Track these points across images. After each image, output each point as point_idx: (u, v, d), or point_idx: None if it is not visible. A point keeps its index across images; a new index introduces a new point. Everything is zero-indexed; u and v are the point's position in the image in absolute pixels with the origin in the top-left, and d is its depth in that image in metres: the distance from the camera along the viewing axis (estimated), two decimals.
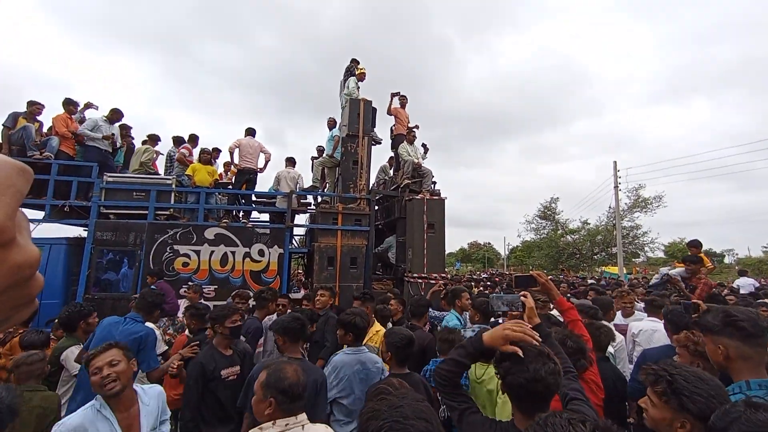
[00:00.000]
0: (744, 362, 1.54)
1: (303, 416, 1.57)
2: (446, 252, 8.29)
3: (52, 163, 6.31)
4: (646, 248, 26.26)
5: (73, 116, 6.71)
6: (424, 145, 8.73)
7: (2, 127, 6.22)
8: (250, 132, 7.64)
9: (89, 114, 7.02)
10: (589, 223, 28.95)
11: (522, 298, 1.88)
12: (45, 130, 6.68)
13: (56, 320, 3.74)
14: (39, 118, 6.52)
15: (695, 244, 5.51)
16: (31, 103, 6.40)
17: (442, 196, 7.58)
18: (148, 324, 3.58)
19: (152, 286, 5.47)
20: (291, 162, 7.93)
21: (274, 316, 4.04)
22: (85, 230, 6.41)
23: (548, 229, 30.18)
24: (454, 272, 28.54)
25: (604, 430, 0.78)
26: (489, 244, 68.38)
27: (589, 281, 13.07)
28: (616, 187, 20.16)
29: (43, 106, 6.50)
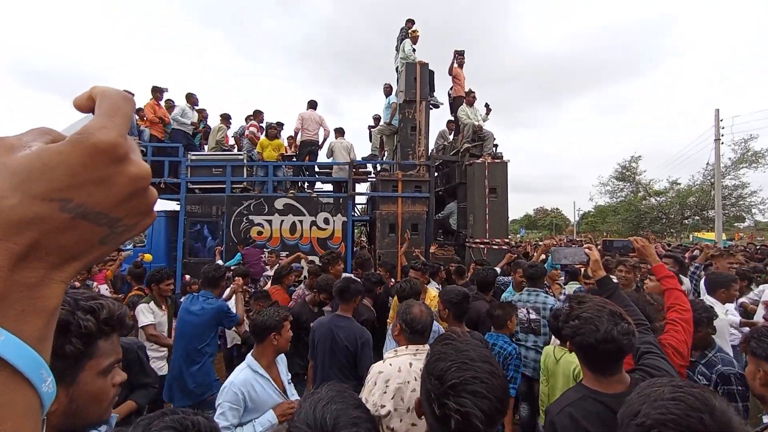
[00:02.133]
0: None
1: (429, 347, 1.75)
2: (510, 218, 7.97)
3: (147, 148, 7.22)
4: (754, 210, 22.46)
5: (160, 101, 7.52)
6: (486, 105, 8.24)
7: None
8: (312, 105, 7.85)
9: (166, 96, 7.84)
10: (680, 183, 25.44)
11: (586, 250, 1.84)
12: (136, 117, 7.60)
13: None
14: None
15: None
16: (138, 110, 7.32)
17: (505, 159, 7.20)
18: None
19: (240, 253, 6.16)
20: (340, 132, 8.04)
21: None
22: (177, 204, 7.31)
23: (627, 192, 27.21)
24: (518, 239, 27.35)
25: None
26: (557, 209, 64.01)
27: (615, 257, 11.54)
28: (717, 139, 17.26)
29: (133, 95, 7.37)
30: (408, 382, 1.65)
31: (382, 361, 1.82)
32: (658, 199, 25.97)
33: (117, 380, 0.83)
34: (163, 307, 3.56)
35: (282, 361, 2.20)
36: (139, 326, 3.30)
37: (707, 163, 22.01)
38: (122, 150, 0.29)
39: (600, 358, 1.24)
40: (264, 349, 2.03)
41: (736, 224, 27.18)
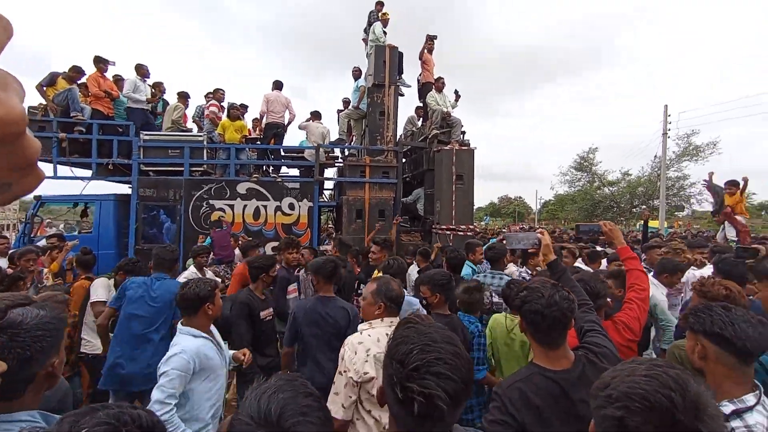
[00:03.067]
0: None
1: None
2: (475, 206, 8.15)
3: (93, 124, 6.61)
4: (693, 200, 24.60)
5: (104, 74, 6.85)
6: (456, 92, 8.26)
7: (39, 87, 6.44)
8: (278, 85, 7.52)
9: (113, 71, 7.17)
10: (630, 174, 27.28)
11: (539, 235, 1.91)
12: (81, 91, 6.92)
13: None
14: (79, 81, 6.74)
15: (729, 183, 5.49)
16: (74, 69, 6.60)
17: (472, 146, 7.30)
18: (208, 272, 3.91)
19: (210, 237, 5.87)
20: (317, 116, 7.82)
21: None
22: (129, 187, 6.81)
23: (584, 181, 28.82)
24: (482, 226, 28.35)
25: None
26: (520, 198, 66.62)
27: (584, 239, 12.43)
28: (664, 133, 18.57)
29: (84, 73, 6.67)
30: None
31: (358, 333, 1.87)
32: (611, 189, 27.75)
33: None
34: None
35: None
36: (90, 300, 3.18)
37: (655, 156, 23.69)
38: None
39: (546, 325, 1.32)
40: (198, 320, 2.03)
41: (676, 213, 29.67)
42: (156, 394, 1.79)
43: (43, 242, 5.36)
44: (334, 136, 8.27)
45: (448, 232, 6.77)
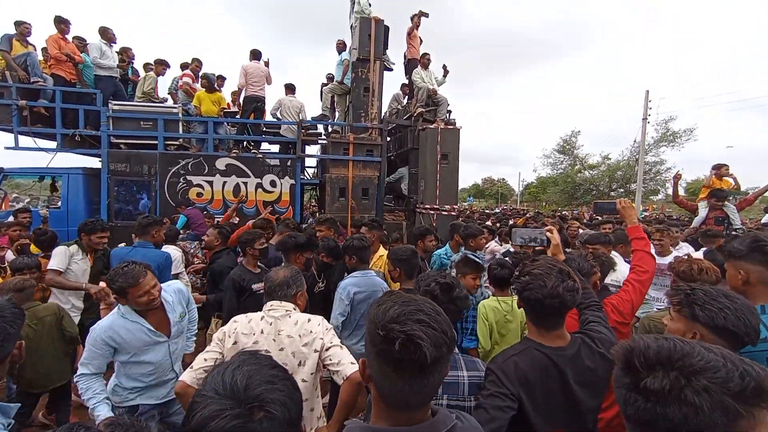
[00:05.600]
0: (765, 287, 1.51)
1: (288, 305, 1.83)
2: (459, 186, 8.15)
3: (56, 91, 6.17)
4: (668, 185, 25.43)
5: (66, 35, 6.34)
6: (444, 67, 8.05)
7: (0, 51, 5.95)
8: (255, 55, 7.14)
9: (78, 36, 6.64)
10: (610, 158, 27.86)
11: (547, 233, 1.80)
12: (40, 52, 6.41)
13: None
14: (30, 40, 6.22)
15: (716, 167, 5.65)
16: (18, 23, 6.05)
17: (457, 126, 7.23)
18: (169, 248, 3.78)
19: (183, 214, 5.70)
20: (291, 89, 7.47)
21: None
22: (99, 161, 6.47)
23: (566, 164, 29.29)
24: (466, 206, 28.62)
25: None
26: (503, 179, 67.39)
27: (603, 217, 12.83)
28: (644, 119, 18.91)
29: (30, 25, 6.14)
30: (262, 331, 1.75)
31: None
32: (591, 172, 28.32)
33: None
34: (89, 256, 3.34)
35: (176, 302, 2.24)
36: (48, 267, 3.07)
37: (635, 141, 24.20)
38: None
39: (545, 312, 1.31)
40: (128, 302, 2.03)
41: (651, 197, 30.69)
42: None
43: (11, 218, 5.08)
44: (309, 110, 7.99)
45: (432, 212, 6.77)
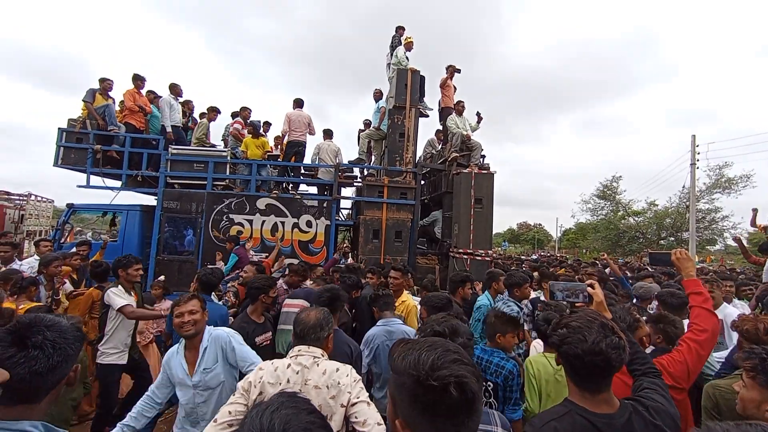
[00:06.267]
0: None
1: (316, 350, 1.75)
2: (494, 231, 7.98)
3: (126, 137, 6.95)
4: (726, 234, 23.37)
5: (141, 90, 7.25)
6: (477, 114, 8.28)
7: (83, 102, 6.89)
8: (298, 104, 7.73)
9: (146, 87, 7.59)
10: (657, 205, 26.31)
11: (588, 289, 1.64)
12: (117, 105, 7.33)
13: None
14: (111, 93, 7.18)
15: None
16: (102, 80, 7.04)
17: (492, 170, 7.23)
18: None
19: (233, 253, 5.93)
20: (329, 134, 7.94)
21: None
22: (155, 199, 7.04)
23: (607, 210, 27.95)
24: (500, 252, 27.65)
25: None
26: (540, 225, 65.22)
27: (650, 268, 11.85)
28: (693, 164, 17.96)
29: (112, 81, 7.12)
30: (288, 381, 1.69)
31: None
32: (637, 219, 26.78)
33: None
34: (132, 293, 3.46)
35: (213, 350, 2.22)
36: (116, 309, 3.20)
37: (683, 186, 22.83)
38: None
39: (587, 371, 1.16)
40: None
41: (708, 247, 28.23)
42: None
43: (73, 249, 5.56)
44: (345, 154, 8.36)
45: (466, 256, 6.61)
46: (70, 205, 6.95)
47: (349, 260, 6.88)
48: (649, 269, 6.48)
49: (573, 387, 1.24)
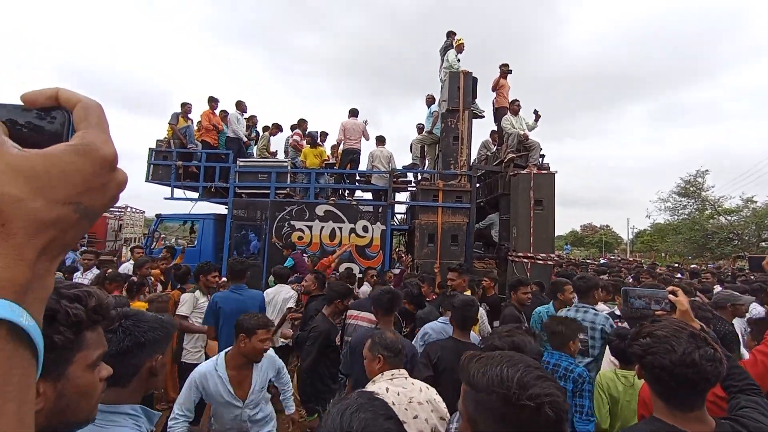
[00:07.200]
0: None
1: (404, 371, 1.79)
2: (555, 233, 7.52)
3: (202, 153, 7.74)
4: None
5: (215, 110, 8.04)
6: (535, 112, 7.88)
7: (169, 125, 7.83)
8: (353, 113, 8.01)
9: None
10: (756, 201, 22.75)
11: (670, 296, 1.43)
12: (195, 125, 8.19)
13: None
14: (190, 115, 8.05)
15: None
16: (183, 104, 7.96)
17: (552, 170, 6.84)
18: (284, 287, 4.37)
19: (290, 257, 6.34)
20: (381, 141, 8.08)
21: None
22: (226, 208, 7.72)
23: (691, 209, 24.79)
24: (562, 255, 25.86)
25: None
26: (607, 226, 59.88)
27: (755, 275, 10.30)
28: None
29: (191, 105, 7.98)
30: (393, 403, 1.64)
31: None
32: (729, 218, 23.41)
33: (103, 374, 0.77)
34: (209, 296, 3.80)
35: (266, 368, 2.22)
36: (177, 312, 3.57)
37: None
38: (116, 160, 0.34)
39: (676, 386, 1.05)
40: (234, 350, 2.12)
41: None
42: None
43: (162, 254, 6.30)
44: (398, 159, 8.43)
45: (526, 260, 6.32)
46: (158, 215, 7.89)
47: (404, 261, 6.90)
48: (750, 277, 5.65)
49: (660, 403, 1.12)
